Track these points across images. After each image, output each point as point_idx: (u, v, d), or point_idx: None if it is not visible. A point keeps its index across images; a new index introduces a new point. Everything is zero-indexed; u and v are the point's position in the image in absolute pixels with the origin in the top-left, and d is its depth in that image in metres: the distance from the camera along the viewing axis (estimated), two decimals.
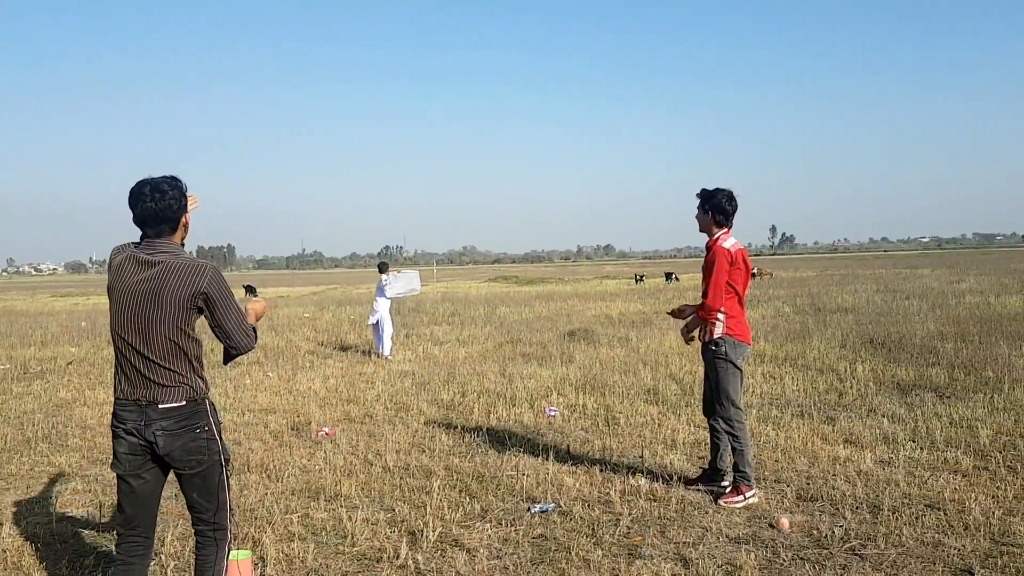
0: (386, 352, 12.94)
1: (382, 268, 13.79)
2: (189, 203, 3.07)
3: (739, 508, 4.78)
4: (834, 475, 5.36)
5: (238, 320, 3.02)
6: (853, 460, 5.69)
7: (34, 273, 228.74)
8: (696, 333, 5.14)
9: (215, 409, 3.05)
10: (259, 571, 3.97)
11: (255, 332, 3.12)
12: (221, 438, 3.05)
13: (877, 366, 9.76)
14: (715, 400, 5.05)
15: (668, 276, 43.86)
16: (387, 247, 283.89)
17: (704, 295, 5.02)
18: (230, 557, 3.74)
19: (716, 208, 5.03)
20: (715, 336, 4.99)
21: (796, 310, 18.68)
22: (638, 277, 46.25)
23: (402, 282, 13.76)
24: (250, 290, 41.09)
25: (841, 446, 6.11)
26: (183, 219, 3.03)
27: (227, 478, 3.08)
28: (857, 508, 4.70)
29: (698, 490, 5.13)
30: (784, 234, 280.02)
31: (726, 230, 5.06)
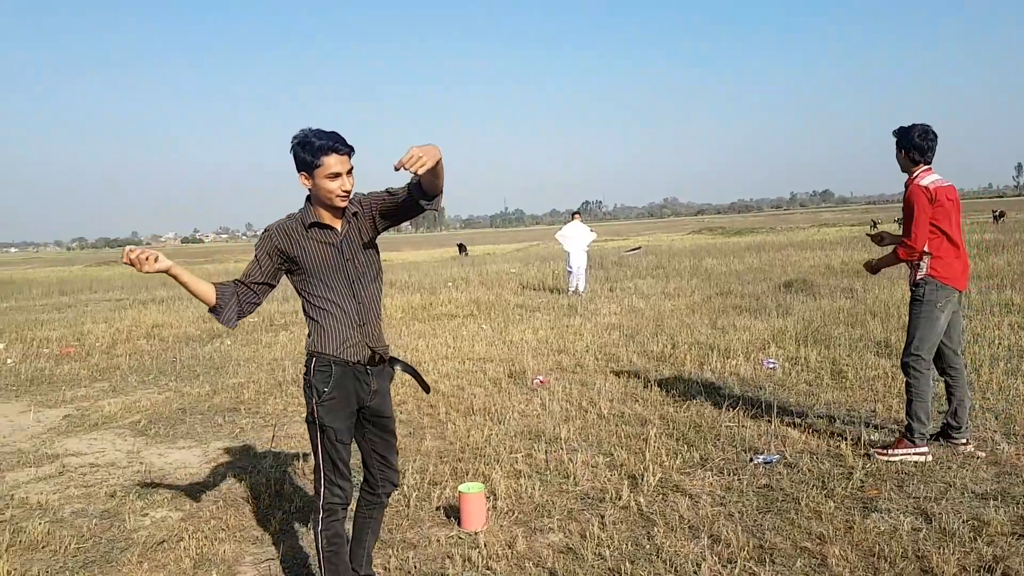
0: (579, 288, 15.51)
1: (573, 216, 16.42)
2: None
3: (900, 460, 4.51)
4: None
5: None
6: None
7: None
8: (882, 265, 4.93)
9: (332, 372, 2.92)
10: (491, 503, 4.23)
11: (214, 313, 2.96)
12: (316, 399, 2.93)
13: None
14: (906, 342, 4.72)
15: None
16: (586, 202, 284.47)
17: (906, 235, 4.63)
18: (463, 489, 4.02)
19: (911, 145, 4.64)
20: (917, 277, 4.65)
21: None
22: (873, 223, 43.07)
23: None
24: (462, 248, 43.42)
25: None
26: (300, 177, 2.90)
27: (320, 441, 2.94)
28: None
29: (940, 445, 4.73)
30: None
31: (925, 168, 4.65)
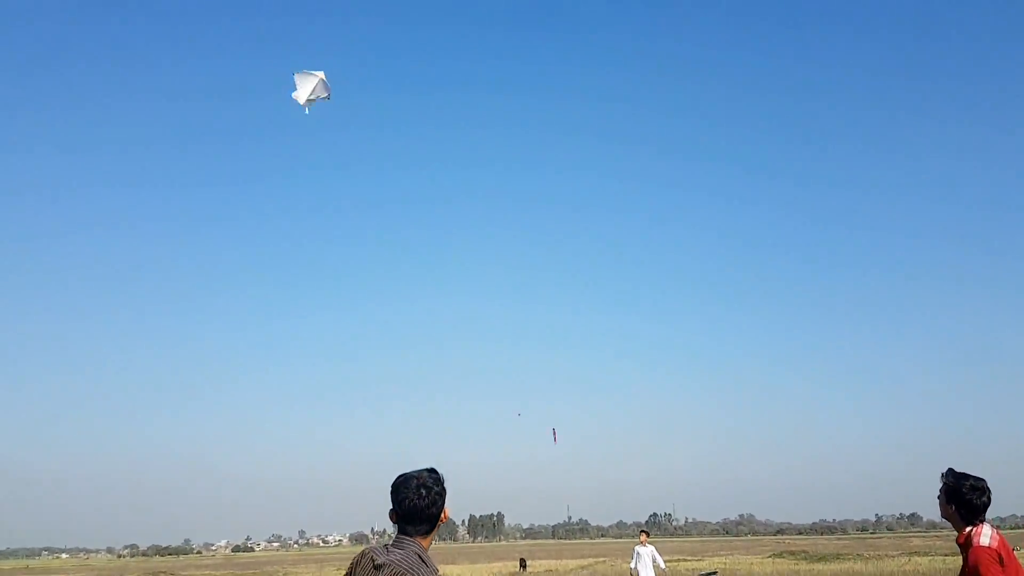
0: None
1: (643, 534, 16.22)
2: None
3: None
4: None
5: None
6: None
7: (322, 544, 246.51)
8: None
9: None
10: None
11: None
12: None
13: None
14: None
15: None
16: (655, 515, 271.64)
17: None
18: None
19: (961, 504, 4.16)
20: None
21: None
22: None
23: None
24: (523, 564, 41.33)
25: None
26: (441, 516, 2.92)
27: None
28: None
29: None
30: None
31: (979, 524, 4.13)
